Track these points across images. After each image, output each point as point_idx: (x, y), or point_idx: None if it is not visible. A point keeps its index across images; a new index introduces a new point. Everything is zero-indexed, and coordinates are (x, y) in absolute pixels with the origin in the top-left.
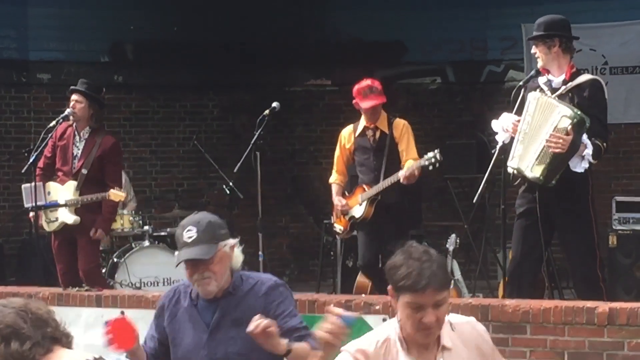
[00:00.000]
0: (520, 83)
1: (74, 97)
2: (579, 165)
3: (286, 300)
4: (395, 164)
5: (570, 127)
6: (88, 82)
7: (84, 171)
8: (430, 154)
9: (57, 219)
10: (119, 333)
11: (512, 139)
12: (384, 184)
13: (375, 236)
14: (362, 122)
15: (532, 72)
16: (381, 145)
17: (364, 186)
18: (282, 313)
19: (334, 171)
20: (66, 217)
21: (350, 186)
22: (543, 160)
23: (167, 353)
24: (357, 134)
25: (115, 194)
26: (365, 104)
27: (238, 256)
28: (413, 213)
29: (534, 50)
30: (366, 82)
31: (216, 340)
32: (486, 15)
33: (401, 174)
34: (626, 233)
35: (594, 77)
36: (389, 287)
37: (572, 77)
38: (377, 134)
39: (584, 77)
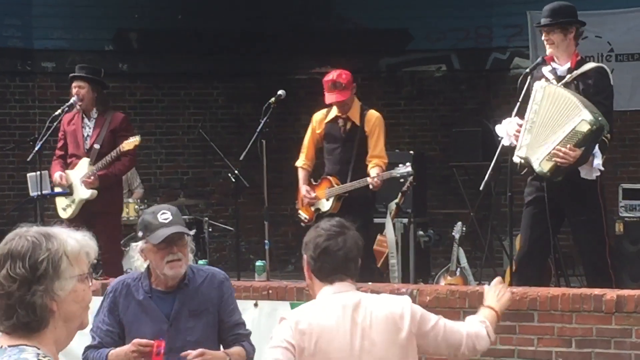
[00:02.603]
0: (527, 70)
1: (76, 83)
2: (588, 174)
3: (233, 294)
4: (363, 158)
5: (588, 132)
6: (86, 66)
7: (97, 146)
8: (404, 170)
9: (73, 202)
10: None
11: (517, 141)
12: (353, 184)
13: None
14: (335, 110)
15: (539, 60)
16: (351, 136)
17: (331, 179)
18: (231, 306)
19: (301, 154)
20: (83, 193)
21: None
22: (553, 159)
23: (121, 345)
24: (327, 119)
25: (129, 142)
26: (327, 99)
27: (192, 248)
28: (417, 201)
29: (545, 36)
30: (331, 76)
31: (176, 330)
32: (491, 3)
33: (370, 181)
34: (633, 220)
35: (598, 64)
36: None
37: (578, 65)
38: (348, 125)
39: (589, 65)
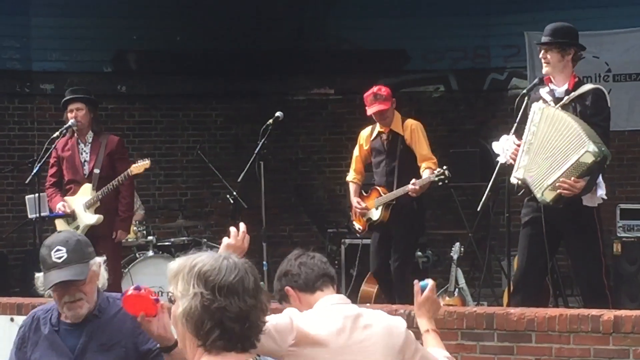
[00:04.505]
0: (524, 91)
1: (73, 106)
2: (590, 201)
3: None
4: (408, 166)
5: (592, 164)
6: (78, 88)
7: (96, 171)
8: (440, 170)
9: (77, 228)
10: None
11: (514, 161)
12: (396, 192)
13: (384, 244)
14: (378, 126)
15: (536, 80)
16: (394, 147)
17: (379, 189)
18: (146, 338)
19: (351, 169)
20: (88, 219)
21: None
22: (557, 190)
23: None
24: (372, 137)
25: (138, 166)
26: (368, 111)
27: (104, 275)
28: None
29: (543, 54)
30: (372, 90)
31: None
32: (489, 23)
33: (410, 188)
34: (630, 240)
35: (596, 86)
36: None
37: (575, 86)
38: (390, 137)
39: (586, 87)
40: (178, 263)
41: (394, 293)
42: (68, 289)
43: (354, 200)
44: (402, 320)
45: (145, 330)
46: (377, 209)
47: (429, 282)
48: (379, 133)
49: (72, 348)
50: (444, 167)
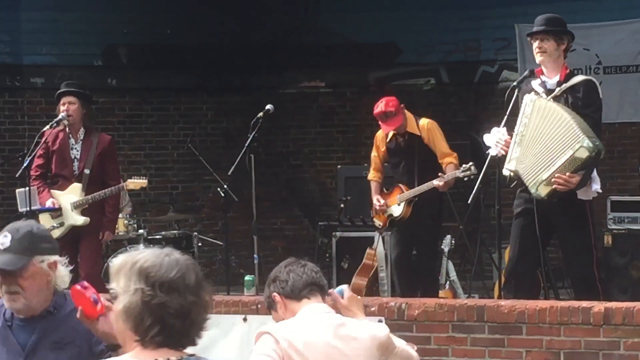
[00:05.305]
0: (514, 83)
1: (66, 99)
2: (585, 195)
3: None
4: (428, 164)
5: (587, 159)
6: (73, 82)
7: (87, 171)
8: (466, 166)
9: (62, 224)
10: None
11: (505, 153)
12: (421, 188)
13: (408, 233)
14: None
15: (526, 72)
16: (411, 147)
17: (402, 186)
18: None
19: (371, 169)
20: (75, 219)
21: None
22: (553, 185)
23: None
24: (388, 139)
25: (135, 182)
26: (384, 129)
27: (64, 275)
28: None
29: (538, 44)
30: (380, 108)
31: None
32: (479, 16)
33: (437, 183)
34: (621, 232)
35: (587, 77)
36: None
37: (567, 78)
38: (407, 137)
39: (578, 78)
40: (121, 259)
41: (420, 283)
42: (5, 278)
43: (375, 198)
44: (384, 326)
45: (87, 327)
46: (399, 204)
47: (344, 287)
48: (395, 135)
49: (24, 344)
50: (470, 163)
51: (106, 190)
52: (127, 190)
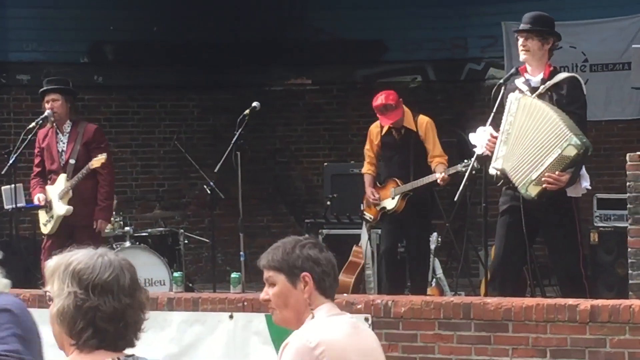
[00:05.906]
0: (501, 81)
1: (49, 97)
2: (574, 193)
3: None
4: (422, 159)
5: (575, 156)
6: (55, 78)
7: (72, 161)
8: (467, 161)
9: (52, 218)
10: None
11: (491, 152)
12: (419, 182)
13: (398, 226)
14: None
15: (513, 70)
16: (406, 142)
17: (397, 180)
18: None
19: (365, 162)
20: (60, 209)
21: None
22: (543, 185)
23: None
24: (383, 132)
25: (97, 159)
26: (383, 122)
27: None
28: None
29: (522, 42)
30: (380, 100)
31: None
32: (466, 14)
33: (439, 177)
34: (607, 230)
35: (571, 74)
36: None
37: (551, 75)
38: (403, 132)
39: (561, 75)
40: (55, 261)
41: (412, 275)
42: None
43: (368, 190)
44: None
45: None
46: (393, 198)
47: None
48: (390, 128)
49: None
50: (473, 158)
51: (78, 173)
52: (92, 168)
